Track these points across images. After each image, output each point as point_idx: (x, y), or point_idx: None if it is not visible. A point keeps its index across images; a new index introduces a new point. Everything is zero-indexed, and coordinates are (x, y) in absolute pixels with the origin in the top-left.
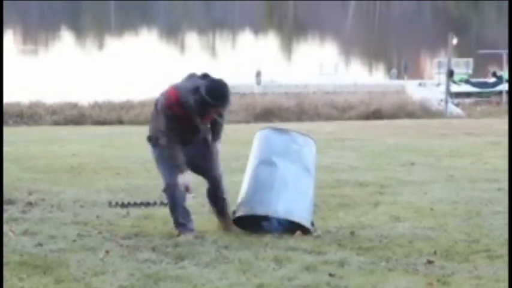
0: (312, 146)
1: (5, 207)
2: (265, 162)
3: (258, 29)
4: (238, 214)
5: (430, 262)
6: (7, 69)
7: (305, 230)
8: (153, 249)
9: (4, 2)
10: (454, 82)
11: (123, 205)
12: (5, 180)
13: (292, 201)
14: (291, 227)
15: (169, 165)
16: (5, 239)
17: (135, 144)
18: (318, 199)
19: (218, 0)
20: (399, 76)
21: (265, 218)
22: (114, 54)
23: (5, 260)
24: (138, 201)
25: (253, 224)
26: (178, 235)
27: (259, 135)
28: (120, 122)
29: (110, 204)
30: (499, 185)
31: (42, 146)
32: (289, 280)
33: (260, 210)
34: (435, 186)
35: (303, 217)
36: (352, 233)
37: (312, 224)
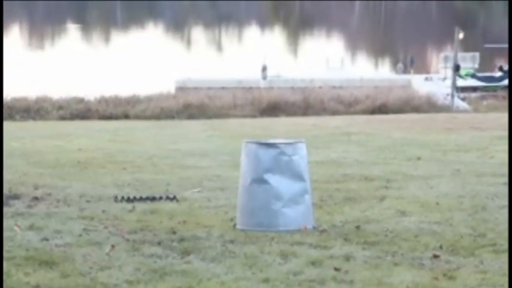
0: (302, 150)
1: (11, 201)
2: (257, 181)
3: (264, 23)
4: (239, 227)
5: (435, 256)
6: (14, 65)
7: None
8: (159, 243)
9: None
10: (461, 76)
11: (129, 200)
12: (11, 175)
13: (289, 213)
14: None
15: None
16: (10, 234)
17: (141, 139)
18: (324, 193)
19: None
20: (405, 71)
21: None
22: (120, 49)
23: (10, 254)
24: (144, 196)
25: None
26: None
27: (247, 150)
28: (127, 116)
29: (116, 198)
30: (505, 180)
31: (48, 140)
32: (295, 275)
33: (259, 230)
34: (441, 181)
35: (301, 225)
36: (357, 228)
37: (313, 227)
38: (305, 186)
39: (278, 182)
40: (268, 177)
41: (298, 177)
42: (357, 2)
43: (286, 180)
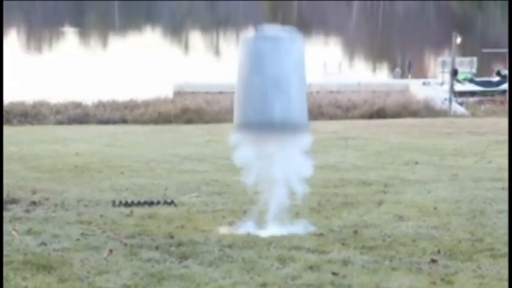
0: (299, 43)
1: (9, 206)
2: (256, 73)
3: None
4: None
5: (433, 261)
6: (12, 69)
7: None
8: (157, 248)
9: (9, 2)
10: (458, 81)
11: (126, 204)
12: (9, 180)
13: (286, 107)
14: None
15: None
16: (8, 238)
17: (139, 144)
18: (322, 198)
19: (222, 0)
20: (403, 75)
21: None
22: (118, 53)
23: (8, 259)
24: (142, 200)
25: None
26: None
27: (248, 46)
28: (124, 121)
29: (113, 203)
30: (503, 184)
31: (46, 145)
32: (293, 279)
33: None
34: (439, 185)
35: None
36: (355, 232)
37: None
38: (302, 79)
39: (276, 73)
40: (267, 68)
41: (296, 66)
42: (355, 6)
43: (284, 70)
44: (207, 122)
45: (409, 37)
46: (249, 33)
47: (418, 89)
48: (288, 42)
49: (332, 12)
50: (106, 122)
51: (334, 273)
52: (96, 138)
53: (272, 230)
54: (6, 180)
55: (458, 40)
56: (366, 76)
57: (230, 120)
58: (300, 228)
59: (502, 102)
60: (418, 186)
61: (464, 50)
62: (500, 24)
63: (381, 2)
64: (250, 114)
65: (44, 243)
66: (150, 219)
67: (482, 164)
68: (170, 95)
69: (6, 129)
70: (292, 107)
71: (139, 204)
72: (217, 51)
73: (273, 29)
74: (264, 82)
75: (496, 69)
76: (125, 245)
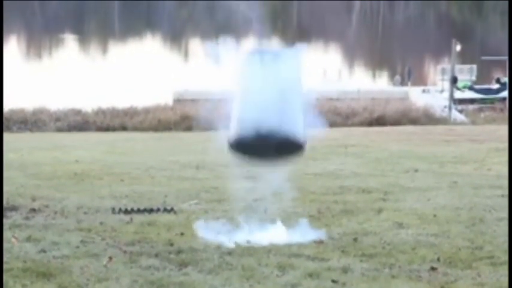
0: (296, 59)
1: (8, 213)
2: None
3: (261, 35)
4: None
5: (433, 269)
6: (11, 76)
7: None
8: (156, 255)
9: (8, 8)
10: (458, 88)
11: (126, 211)
12: (9, 187)
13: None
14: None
15: None
16: (8, 246)
17: (138, 151)
18: (322, 205)
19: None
20: (403, 83)
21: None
22: (118, 60)
23: (8, 266)
24: (142, 208)
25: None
26: None
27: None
28: (124, 128)
29: (113, 210)
30: (503, 192)
31: (46, 152)
32: (293, 287)
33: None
34: (438, 193)
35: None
36: (355, 240)
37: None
38: (298, 93)
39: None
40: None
41: (294, 83)
42: (355, 13)
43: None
44: (206, 129)
45: (408, 44)
46: (246, 50)
47: (417, 97)
48: (285, 60)
49: (332, 19)
50: (106, 129)
51: (333, 281)
52: (96, 146)
53: (272, 237)
54: (5, 187)
55: (458, 48)
56: (365, 83)
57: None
58: (299, 235)
59: (501, 110)
60: (417, 193)
61: (464, 58)
62: (499, 32)
63: (381, 9)
64: (245, 131)
65: (43, 251)
66: (149, 227)
67: (482, 171)
68: (170, 102)
69: (6, 136)
70: (290, 122)
71: (139, 211)
72: (216, 58)
73: (270, 47)
74: (260, 99)
75: (495, 76)
76: (125, 252)
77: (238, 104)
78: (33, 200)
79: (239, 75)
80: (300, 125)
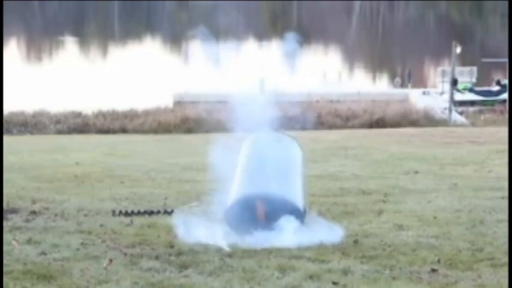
0: (294, 146)
1: (8, 216)
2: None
3: (261, 37)
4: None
5: (433, 270)
6: (12, 78)
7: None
8: (157, 257)
9: (8, 11)
10: (458, 91)
11: (126, 214)
12: (9, 189)
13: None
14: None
15: None
16: (8, 248)
17: (139, 153)
18: (322, 207)
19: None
20: (403, 85)
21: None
22: (118, 62)
23: (8, 268)
24: (142, 210)
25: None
26: None
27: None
28: (124, 130)
29: (113, 212)
30: (503, 193)
31: (46, 155)
32: None
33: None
34: (439, 195)
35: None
36: (355, 242)
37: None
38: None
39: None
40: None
41: (293, 164)
42: (355, 16)
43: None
44: (207, 131)
45: (409, 47)
46: (249, 136)
47: (418, 99)
48: (284, 145)
49: (332, 21)
50: (106, 131)
51: (334, 283)
52: (96, 148)
53: (272, 239)
54: (6, 190)
55: (458, 50)
56: (365, 85)
57: (230, 129)
58: (300, 237)
59: (501, 112)
60: (418, 195)
61: (464, 60)
62: (500, 34)
63: (381, 11)
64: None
65: (43, 253)
66: (150, 229)
67: (482, 173)
68: (170, 104)
69: (6, 138)
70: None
71: (139, 213)
72: (216, 61)
73: (270, 134)
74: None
75: (496, 78)
76: (125, 254)
77: (238, 179)
78: (34, 202)
79: (242, 155)
80: (299, 201)
